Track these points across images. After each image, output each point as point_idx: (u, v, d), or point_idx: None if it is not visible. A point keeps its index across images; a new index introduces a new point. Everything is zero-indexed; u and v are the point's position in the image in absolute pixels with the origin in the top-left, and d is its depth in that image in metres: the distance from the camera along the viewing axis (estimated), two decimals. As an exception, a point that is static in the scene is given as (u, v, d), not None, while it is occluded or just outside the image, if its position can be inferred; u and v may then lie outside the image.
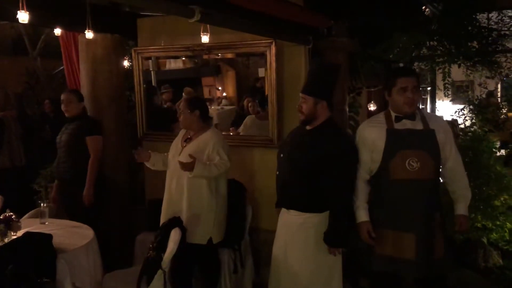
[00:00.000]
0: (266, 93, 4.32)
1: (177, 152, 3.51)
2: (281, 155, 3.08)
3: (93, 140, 4.12)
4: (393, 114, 2.81)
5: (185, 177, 3.38)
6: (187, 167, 3.25)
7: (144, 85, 4.99)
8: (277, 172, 3.09)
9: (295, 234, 3.00)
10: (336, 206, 2.85)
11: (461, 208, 2.86)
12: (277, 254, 3.12)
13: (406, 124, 2.77)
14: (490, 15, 5.27)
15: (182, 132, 3.67)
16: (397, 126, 2.78)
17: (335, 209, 2.85)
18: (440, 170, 2.84)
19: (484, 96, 5.67)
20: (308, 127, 2.99)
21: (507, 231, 4.41)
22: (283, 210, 3.11)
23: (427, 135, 2.74)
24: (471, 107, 5.45)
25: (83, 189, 4.04)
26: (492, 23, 5.22)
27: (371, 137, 2.81)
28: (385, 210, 2.78)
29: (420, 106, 2.86)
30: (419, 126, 2.76)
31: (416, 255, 2.69)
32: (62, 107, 4.18)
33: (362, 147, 2.86)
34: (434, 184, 2.77)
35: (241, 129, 4.74)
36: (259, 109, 4.71)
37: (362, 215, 2.83)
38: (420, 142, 2.73)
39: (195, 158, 3.24)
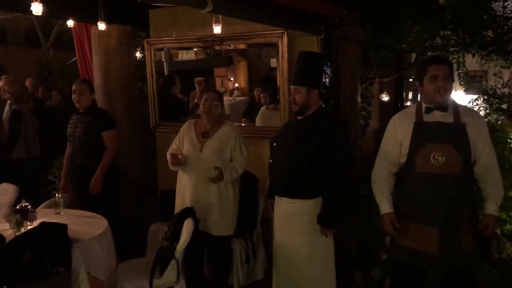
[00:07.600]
0: (278, 84, 4.30)
1: (196, 148, 3.49)
2: (274, 144, 3.15)
3: (110, 134, 4.13)
4: (424, 106, 2.74)
5: (212, 170, 3.40)
6: (218, 179, 3.38)
7: (163, 76, 5.03)
8: (270, 161, 3.15)
9: (289, 222, 3.09)
10: (332, 191, 2.94)
11: (490, 207, 2.68)
12: (275, 245, 3.21)
13: (435, 116, 2.68)
14: (506, 3, 5.17)
15: (189, 125, 3.63)
16: (427, 118, 2.70)
17: (330, 194, 2.95)
18: (474, 165, 2.71)
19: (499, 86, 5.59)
20: (299, 117, 3.08)
21: (521, 222, 4.37)
22: (277, 199, 3.17)
23: (456, 129, 2.64)
24: (485, 97, 5.36)
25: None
26: (508, 11, 5.12)
27: (400, 130, 2.78)
28: (410, 202, 2.75)
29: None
30: (449, 119, 2.66)
31: (438, 249, 2.64)
32: (74, 97, 4.12)
33: (390, 138, 2.84)
34: (461, 179, 2.63)
35: (257, 120, 4.75)
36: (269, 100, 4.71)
37: (386, 207, 2.82)
38: (447, 135, 2.63)
39: (220, 168, 3.36)
